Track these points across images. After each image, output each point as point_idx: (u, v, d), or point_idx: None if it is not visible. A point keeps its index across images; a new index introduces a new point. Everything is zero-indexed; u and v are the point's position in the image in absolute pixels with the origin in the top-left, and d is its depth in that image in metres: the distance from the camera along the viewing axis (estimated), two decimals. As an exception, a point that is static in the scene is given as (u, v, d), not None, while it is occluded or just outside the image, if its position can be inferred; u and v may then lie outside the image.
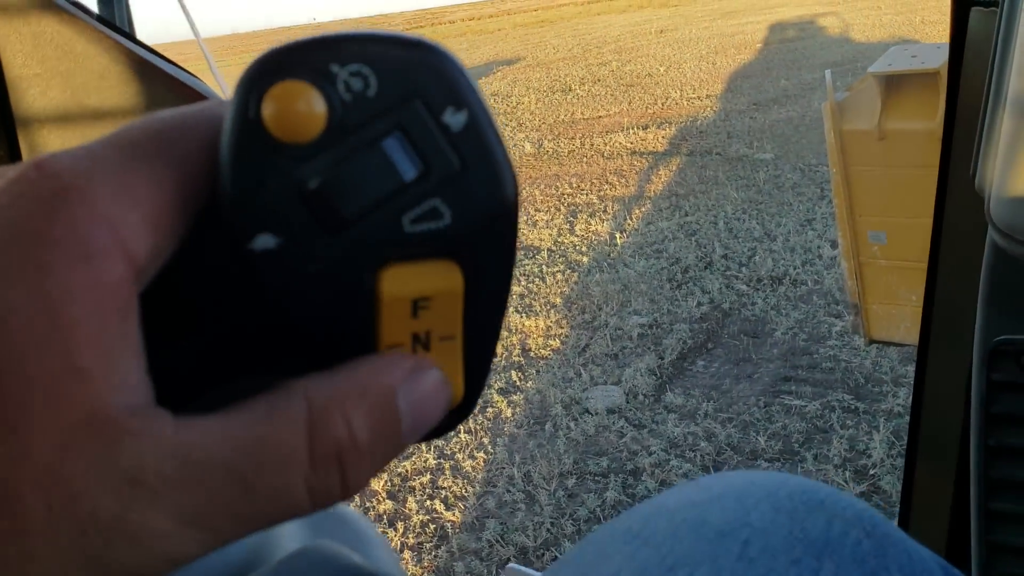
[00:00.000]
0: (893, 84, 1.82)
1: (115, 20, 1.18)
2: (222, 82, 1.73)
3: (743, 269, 3.22)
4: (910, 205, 1.84)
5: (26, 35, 0.82)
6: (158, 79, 0.83)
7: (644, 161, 5.14)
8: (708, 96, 6.94)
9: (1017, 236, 0.55)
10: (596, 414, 2.37)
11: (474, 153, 0.21)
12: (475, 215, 0.21)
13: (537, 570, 1.68)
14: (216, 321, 0.22)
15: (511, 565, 1.67)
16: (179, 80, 0.84)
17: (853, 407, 2.24)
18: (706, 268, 3.29)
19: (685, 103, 6.80)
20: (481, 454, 2.26)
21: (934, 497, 0.83)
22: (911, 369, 2.41)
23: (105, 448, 0.18)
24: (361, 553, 0.49)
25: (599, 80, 8.80)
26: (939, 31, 8.02)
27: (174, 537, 0.18)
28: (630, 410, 2.38)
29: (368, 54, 0.20)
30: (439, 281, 0.21)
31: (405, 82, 0.20)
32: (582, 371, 2.62)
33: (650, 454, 2.15)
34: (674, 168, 4.88)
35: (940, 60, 1.74)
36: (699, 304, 2.98)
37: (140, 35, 0.98)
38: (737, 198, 4.09)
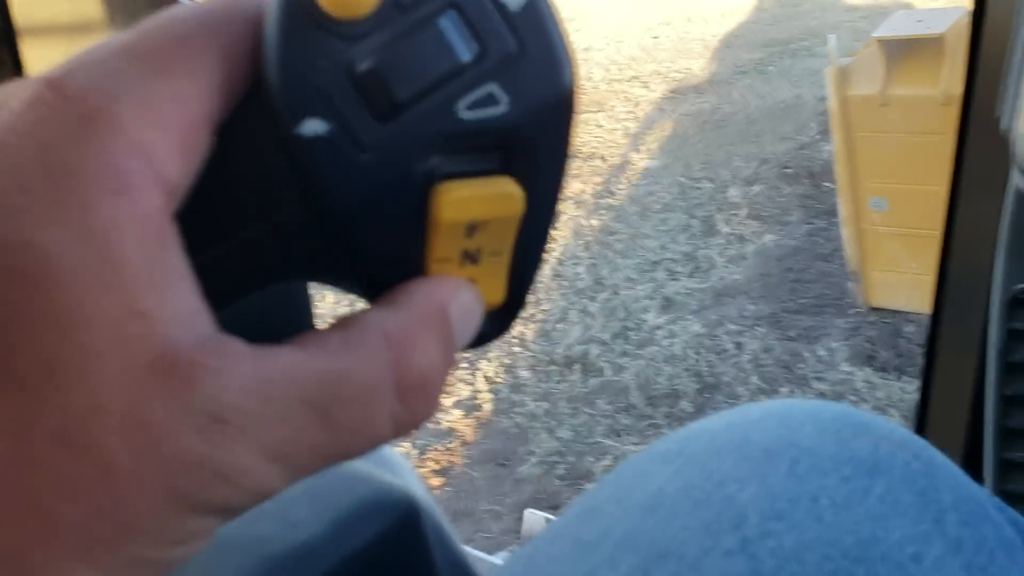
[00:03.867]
0: (897, 49, 1.78)
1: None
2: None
3: (539, 342, 2.45)
4: (913, 172, 1.83)
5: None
6: None
7: (521, 165, 4.36)
8: (632, 79, 6.10)
9: None
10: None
11: (532, 36, 0.20)
12: (533, 102, 0.20)
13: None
14: (258, 217, 0.20)
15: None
16: None
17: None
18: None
19: (604, 87, 5.97)
20: None
21: (948, 446, 0.80)
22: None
23: (182, 389, 0.17)
24: (395, 475, 0.51)
25: (535, 54, 7.95)
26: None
27: (261, 473, 0.18)
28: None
29: None
30: (500, 206, 0.20)
31: None
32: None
33: None
34: (546, 176, 4.09)
35: (945, 25, 1.72)
36: (457, 402, 2.22)
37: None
38: (588, 226, 3.31)
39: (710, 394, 2.07)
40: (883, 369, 2.06)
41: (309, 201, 0.19)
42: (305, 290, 0.79)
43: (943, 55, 1.76)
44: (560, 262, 2.99)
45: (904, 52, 1.81)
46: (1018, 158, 0.57)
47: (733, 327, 2.32)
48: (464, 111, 0.19)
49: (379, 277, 0.21)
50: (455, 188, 0.20)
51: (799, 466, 0.32)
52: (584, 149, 4.44)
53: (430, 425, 2.14)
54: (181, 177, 0.18)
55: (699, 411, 2.02)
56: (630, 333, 2.41)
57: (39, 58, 0.78)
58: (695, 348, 2.25)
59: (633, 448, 1.91)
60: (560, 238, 3.22)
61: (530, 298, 0.24)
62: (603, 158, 4.21)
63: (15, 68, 0.79)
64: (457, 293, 0.21)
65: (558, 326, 2.52)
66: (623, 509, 0.33)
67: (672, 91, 5.49)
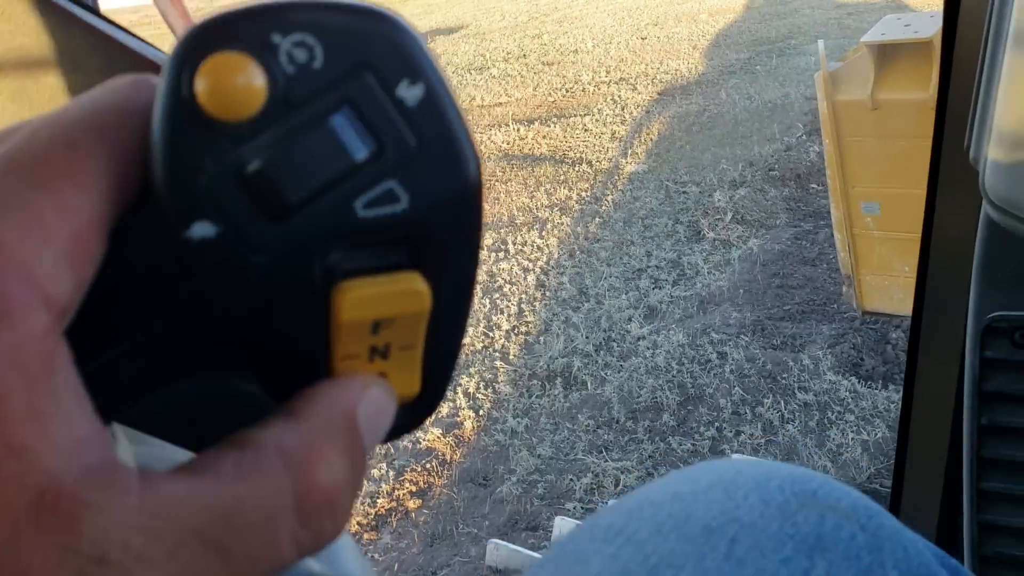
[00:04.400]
0: (886, 54, 1.81)
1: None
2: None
3: (521, 355, 2.41)
4: (903, 176, 1.85)
5: (-24, 7, 0.71)
6: (121, 55, 0.73)
7: (507, 170, 4.31)
8: (619, 80, 6.07)
9: (1012, 210, 0.55)
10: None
11: (432, 130, 0.19)
12: (434, 198, 0.19)
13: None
14: (154, 319, 0.20)
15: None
16: (144, 56, 0.72)
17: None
18: (480, 351, 2.49)
19: (592, 89, 5.94)
20: None
21: (925, 477, 0.81)
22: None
23: (62, 530, 0.16)
24: (324, 558, 0.47)
25: (523, 56, 7.89)
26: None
27: None
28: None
29: (313, 22, 0.18)
30: (405, 304, 0.19)
31: (354, 53, 0.18)
32: None
33: None
34: (532, 183, 4.05)
35: (933, 29, 1.73)
36: (436, 420, 2.17)
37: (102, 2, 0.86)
38: (572, 234, 3.27)
39: (693, 406, 2.03)
40: (869, 377, 2.01)
41: (202, 303, 0.19)
42: None
43: (931, 59, 1.75)
44: (544, 272, 2.95)
45: (893, 57, 1.81)
46: (987, 188, 0.57)
47: (717, 336, 2.28)
48: (362, 209, 0.18)
49: (282, 378, 0.20)
50: (356, 287, 0.19)
51: (738, 546, 0.30)
52: (570, 154, 4.40)
53: (408, 445, 2.09)
54: (71, 291, 0.17)
55: (681, 424, 1.98)
56: (614, 342, 2.37)
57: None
58: (678, 359, 2.21)
59: (614, 465, 1.87)
60: (544, 247, 3.18)
61: (450, 387, 0.22)
62: (589, 163, 4.17)
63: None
64: (365, 393, 0.20)
65: (540, 339, 2.48)
66: None
67: (660, 93, 5.45)
